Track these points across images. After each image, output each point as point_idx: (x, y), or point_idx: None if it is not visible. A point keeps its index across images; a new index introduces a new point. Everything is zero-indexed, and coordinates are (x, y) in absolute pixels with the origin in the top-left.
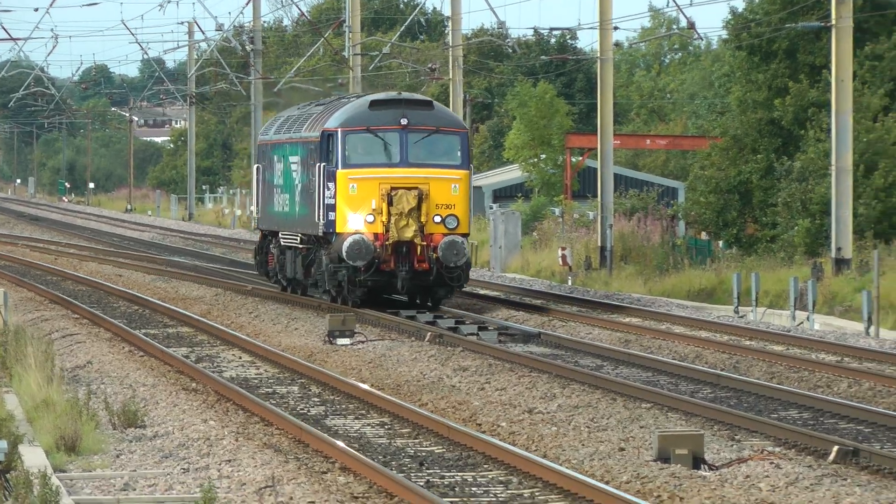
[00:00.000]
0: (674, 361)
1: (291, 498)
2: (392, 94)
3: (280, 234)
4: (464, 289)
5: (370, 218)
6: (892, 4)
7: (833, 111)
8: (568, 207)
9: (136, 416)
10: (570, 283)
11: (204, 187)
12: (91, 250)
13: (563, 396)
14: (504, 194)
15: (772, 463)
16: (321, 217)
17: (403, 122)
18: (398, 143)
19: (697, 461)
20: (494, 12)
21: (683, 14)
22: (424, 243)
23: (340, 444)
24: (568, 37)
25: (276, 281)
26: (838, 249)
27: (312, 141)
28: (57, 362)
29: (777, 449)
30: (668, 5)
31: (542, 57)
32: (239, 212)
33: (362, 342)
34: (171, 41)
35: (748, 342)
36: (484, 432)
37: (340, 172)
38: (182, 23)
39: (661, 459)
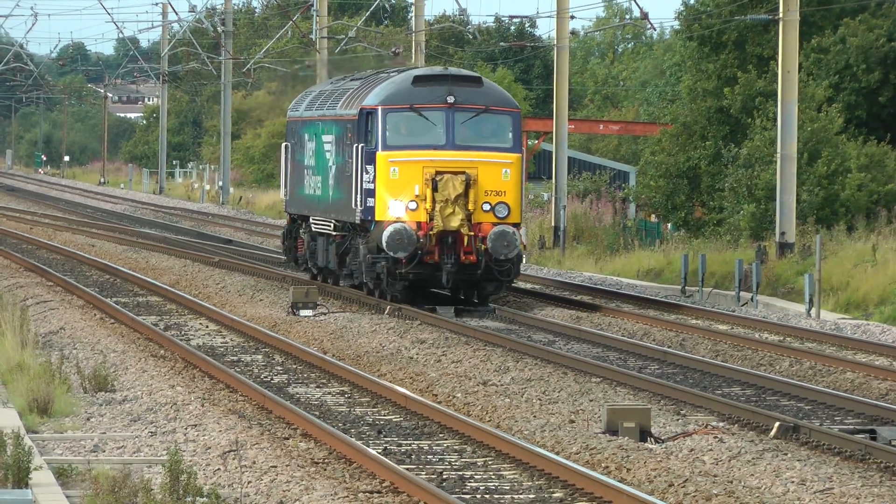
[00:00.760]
0: (623, 338)
1: (254, 462)
2: (437, 68)
3: (311, 219)
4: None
5: (413, 205)
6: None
7: (779, 101)
8: (525, 189)
9: (107, 381)
10: (524, 261)
11: (175, 162)
12: (65, 220)
13: (516, 370)
14: None
15: (715, 437)
16: (359, 203)
17: (450, 99)
18: (444, 123)
19: (644, 434)
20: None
21: (637, 4)
22: (472, 233)
23: (301, 411)
24: (527, 24)
25: (306, 269)
26: (782, 234)
27: (349, 119)
28: (31, 328)
29: (721, 424)
30: None
31: (502, 43)
32: (207, 186)
33: (324, 314)
34: (146, 21)
35: (694, 321)
36: (440, 403)
37: (380, 154)
38: (156, 4)
39: (609, 432)
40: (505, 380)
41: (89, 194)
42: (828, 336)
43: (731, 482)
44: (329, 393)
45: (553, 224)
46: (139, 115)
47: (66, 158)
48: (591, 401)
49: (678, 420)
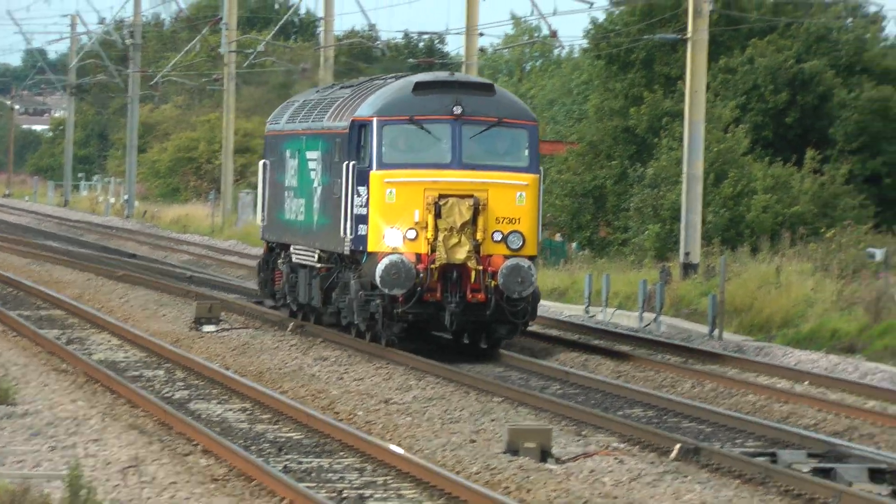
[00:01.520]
0: (524, 357)
1: (154, 478)
2: (442, 73)
3: (292, 249)
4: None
5: (412, 234)
6: (746, 20)
7: (686, 121)
8: None
9: (8, 394)
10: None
11: (80, 175)
12: None
13: (418, 388)
14: None
15: (616, 458)
16: (348, 230)
17: (457, 110)
18: (449, 138)
19: (545, 454)
20: (366, 14)
21: (546, 22)
22: (480, 267)
23: (202, 427)
24: (436, 41)
25: (284, 305)
26: (686, 254)
27: (338, 133)
28: None
29: (622, 445)
30: (531, 13)
31: (411, 60)
32: (112, 199)
33: (227, 330)
34: (55, 33)
35: (597, 341)
36: (341, 420)
37: (375, 174)
38: (66, 15)
39: (510, 452)
40: (407, 398)
41: None
42: (730, 358)
43: None
44: (230, 409)
45: None
46: (45, 127)
47: None
48: (492, 420)
49: (579, 441)
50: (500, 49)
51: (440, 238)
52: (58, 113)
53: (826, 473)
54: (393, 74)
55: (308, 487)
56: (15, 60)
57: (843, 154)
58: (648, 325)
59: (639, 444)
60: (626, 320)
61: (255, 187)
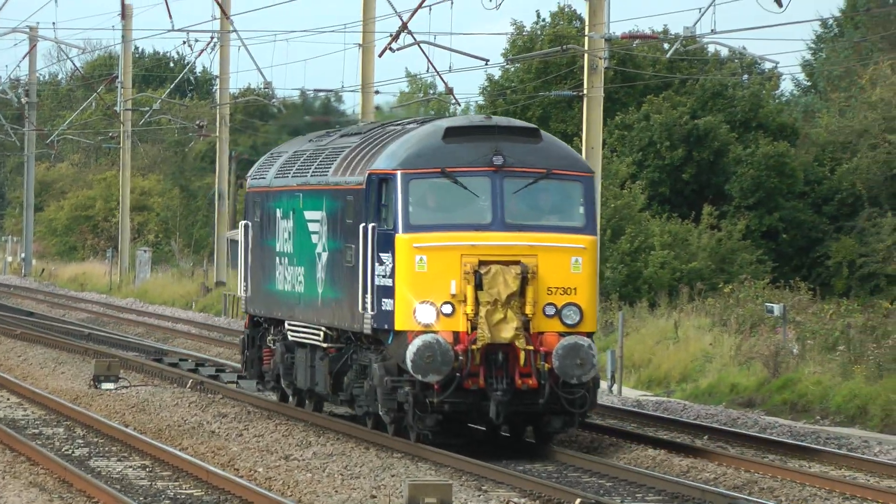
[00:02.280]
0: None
1: None
2: (478, 117)
3: (287, 325)
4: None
5: (448, 308)
6: (642, 76)
7: None
8: None
9: None
10: None
11: None
12: None
13: (318, 444)
14: None
15: None
16: (369, 305)
17: (497, 161)
18: (489, 194)
19: None
20: (261, 72)
21: (442, 79)
22: (531, 347)
23: (103, 484)
24: (332, 98)
25: (275, 387)
26: None
27: (350, 189)
28: None
29: (522, 500)
30: (427, 70)
31: (307, 117)
32: (10, 258)
33: (126, 387)
34: None
35: None
36: (242, 477)
37: (402, 238)
38: None
39: None
40: (307, 454)
41: None
42: (628, 413)
43: None
44: (131, 466)
45: None
46: None
47: None
48: (392, 476)
49: (480, 496)
50: (395, 107)
51: (482, 313)
52: None
53: None
54: (412, 117)
55: None
56: None
57: (740, 209)
58: None
59: (539, 498)
60: None
61: (153, 245)
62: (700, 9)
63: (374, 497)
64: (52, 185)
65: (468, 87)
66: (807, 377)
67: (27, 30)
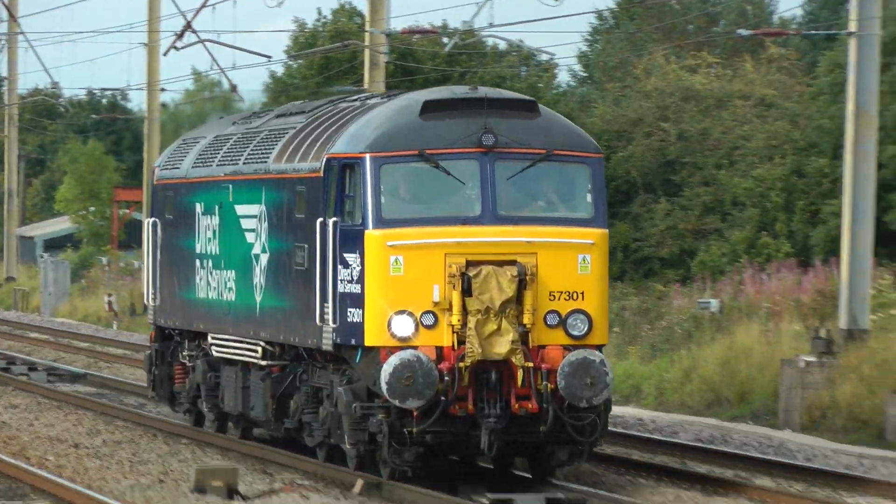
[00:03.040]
0: None
1: None
2: (461, 88)
3: (211, 338)
4: None
5: (429, 319)
6: (422, 70)
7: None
8: (115, 257)
9: None
10: (115, 327)
11: None
12: None
13: (107, 432)
14: (55, 244)
15: (301, 494)
16: (329, 316)
17: (487, 140)
18: (478, 180)
19: (231, 492)
20: (49, 73)
21: (227, 77)
22: (530, 364)
23: None
24: (119, 97)
25: (188, 410)
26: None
27: (300, 178)
28: None
29: (306, 482)
30: (211, 68)
31: (94, 116)
32: None
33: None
34: None
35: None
36: (32, 465)
37: (372, 235)
38: None
39: (197, 491)
40: (96, 442)
41: None
42: None
43: None
44: None
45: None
46: None
47: None
48: (180, 461)
49: (265, 478)
50: (181, 104)
51: (471, 324)
52: None
53: None
54: (380, 93)
55: None
56: None
57: None
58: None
59: (323, 479)
60: None
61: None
62: (478, 3)
63: (161, 482)
64: None
65: (253, 84)
66: None
67: None
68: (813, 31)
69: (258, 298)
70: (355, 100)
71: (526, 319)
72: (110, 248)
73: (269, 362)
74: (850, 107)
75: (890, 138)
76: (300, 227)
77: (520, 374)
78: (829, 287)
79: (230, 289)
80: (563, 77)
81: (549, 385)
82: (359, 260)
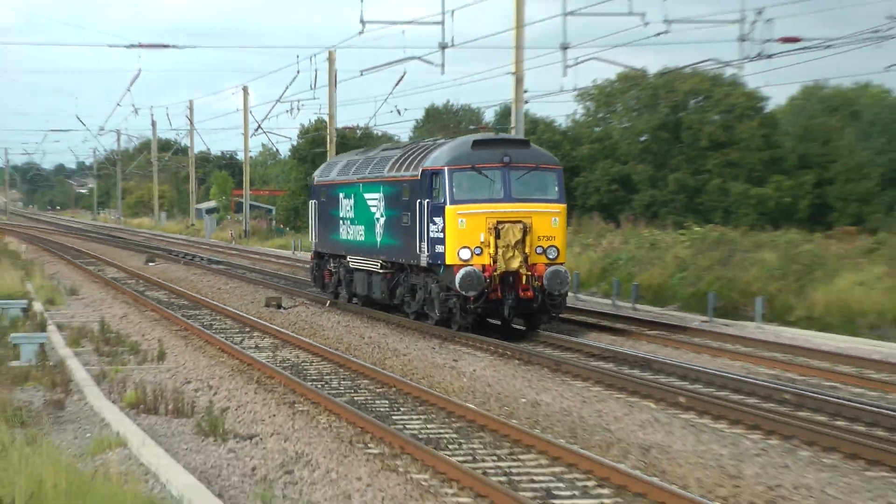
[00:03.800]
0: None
1: (134, 321)
2: (490, 134)
3: (348, 258)
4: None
5: (478, 251)
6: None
7: None
8: (233, 217)
9: (76, 291)
10: (232, 243)
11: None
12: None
13: (247, 287)
14: (209, 211)
15: (306, 306)
16: (426, 249)
17: (506, 159)
18: (502, 180)
19: (279, 306)
20: (205, 144)
21: (276, 148)
22: (529, 273)
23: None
24: (233, 154)
25: (333, 292)
26: None
27: (405, 179)
28: (45, 271)
29: (308, 302)
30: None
31: (223, 161)
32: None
33: (294, 306)
34: None
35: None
36: (204, 296)
37: (450, 208)
38: None
39: (265, 306)
40: (232, 286)
41: None
42: None
43: None
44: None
45: (244, 228)
46: None
47: None
48: (257, 296)
49: (293, 302)
50: (257, 156)
51: (499, 253)
52: None
53: None
54: (441, 138)
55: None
56: None
57: None
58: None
59: (316, 300)
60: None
61: None
62: (374, 112)
63: (253, 302)
64: None
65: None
66: None
67: None
68: None
69: (379, 240)
70: (429, 141)
71: (527, 250)
72: (231, 214)
73: (384, 271)
74: None
75: None
76: (406, 205)
77: (524, 278)
78: None
79: (361, 234)
80: None
81: (538, 283)
82: (442, 221)
